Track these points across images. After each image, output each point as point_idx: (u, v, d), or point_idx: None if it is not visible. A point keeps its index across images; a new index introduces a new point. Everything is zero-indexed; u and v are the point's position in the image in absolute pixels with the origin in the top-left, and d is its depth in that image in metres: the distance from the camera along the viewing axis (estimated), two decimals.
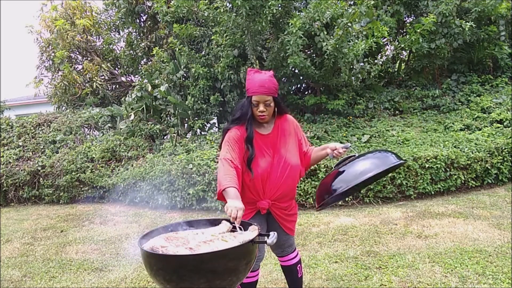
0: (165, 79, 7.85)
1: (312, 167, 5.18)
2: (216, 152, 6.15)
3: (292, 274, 2.42)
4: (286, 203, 2.22)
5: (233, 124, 2.17)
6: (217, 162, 4.02)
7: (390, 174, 5.28)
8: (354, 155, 2.04)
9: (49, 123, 8.53)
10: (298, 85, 8.21)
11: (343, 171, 1.97)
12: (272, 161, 2.15)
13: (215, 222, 1.92)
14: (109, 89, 10.20)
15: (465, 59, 8.01)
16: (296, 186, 2.28)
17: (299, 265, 2.43)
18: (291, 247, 2.39)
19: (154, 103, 7.90)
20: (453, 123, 6.68)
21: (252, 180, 2.12)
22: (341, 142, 6.01)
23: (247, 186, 2.15)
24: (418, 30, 6.65)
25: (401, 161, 2.00)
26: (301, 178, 2.44)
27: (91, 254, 4.23)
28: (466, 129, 6.54)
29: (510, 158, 5.75)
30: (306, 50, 7.11)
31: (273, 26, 6.58)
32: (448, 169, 5.48)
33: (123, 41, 10.06)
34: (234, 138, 2.10)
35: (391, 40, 7.86)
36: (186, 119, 7.73)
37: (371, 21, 6.53)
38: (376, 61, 6.78)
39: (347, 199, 5.41)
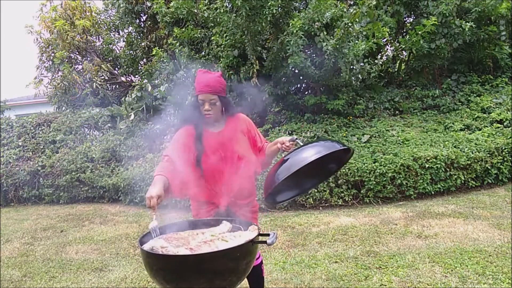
0: (165, 79, 7.85)
1: None
2: None
3: (257, 274, 2.41)
4: (246, 200, 2.23)
5: (184, 123, 2.23)
6: None
7: (390, 174, 5.29)
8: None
9: (49, 123, 8.53)
10: (298, 85, 8.21)
11: (288, 159, 1.93)
12: (224, 158, 2.16)
13: (215, 222, 1.93)
14: (109, 89, 10.20)
15: (465, 59, 8.01)
16: (253, 182, 2.28)
17: (262, 264, 2.44)
18: None
19: (154, 103, 7.90)
20: (453, 123, 6.68)
21: (205, 177, 2.13)
22: (339, 142, 6.00)
23: (203, 186, 2.15)
24: (420, 32, 6.65)
25: (344, 147, 1.99)
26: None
27: (91, 254, 4.23)
28: (466, 129, 6.54)
29: (510, 158, 5.75)
30: (306, 50, 7.11)
31: (273, 27, 6.57)
32: (448, 169, 5.48)
33: (123, 41, 10.06)
34: (176, 138, 2.18)
35: (392, 40, 7.86)
36: None
37: (372, 21, 6.53)
38: (376, 61, 6.78)
39: (352, 200, 5.42)
